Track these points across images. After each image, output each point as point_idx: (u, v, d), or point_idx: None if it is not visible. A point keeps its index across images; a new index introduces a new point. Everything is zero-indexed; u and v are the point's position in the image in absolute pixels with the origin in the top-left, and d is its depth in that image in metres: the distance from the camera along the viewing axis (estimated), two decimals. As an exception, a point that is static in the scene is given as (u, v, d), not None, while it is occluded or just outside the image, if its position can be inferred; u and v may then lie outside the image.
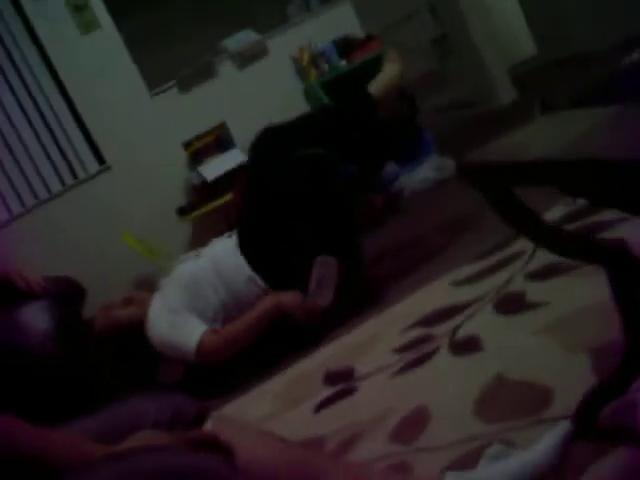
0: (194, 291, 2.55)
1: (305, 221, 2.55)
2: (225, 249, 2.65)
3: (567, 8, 6.04)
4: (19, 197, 4.38)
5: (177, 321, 2.50)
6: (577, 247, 1.22)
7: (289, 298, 2.49)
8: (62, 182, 4.42)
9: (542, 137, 1.21)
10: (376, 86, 2.89)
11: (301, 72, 4.71)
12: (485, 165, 1.10)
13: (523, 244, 2.17)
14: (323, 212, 2.57)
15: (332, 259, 2.50)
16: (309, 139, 2.66)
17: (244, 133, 4.35)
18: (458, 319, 2.03)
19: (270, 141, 2.68)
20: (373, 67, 4.83)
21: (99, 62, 4.41)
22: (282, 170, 2.55)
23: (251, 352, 2.48)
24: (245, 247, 2.60)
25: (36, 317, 1.24)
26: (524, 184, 1.09)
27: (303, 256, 2.52)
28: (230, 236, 2.72)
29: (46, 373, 0.91)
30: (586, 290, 1.73)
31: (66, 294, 1.32)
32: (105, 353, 2.36)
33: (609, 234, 1.87)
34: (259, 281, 2.56)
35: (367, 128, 2.80)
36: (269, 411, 2.09)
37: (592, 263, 1.28)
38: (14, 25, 4.36)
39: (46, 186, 4.41)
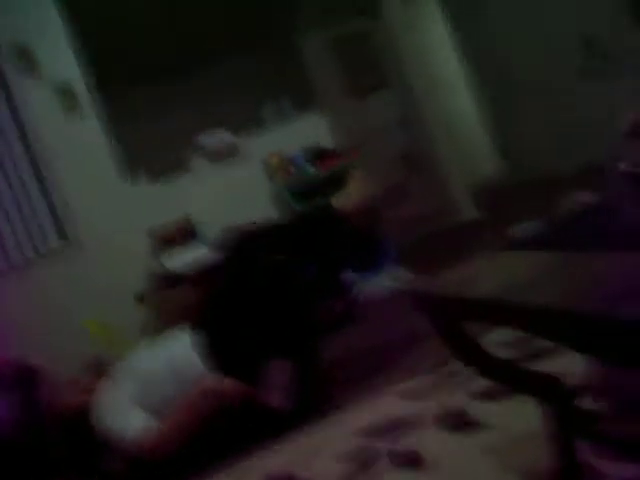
0: (145, 385, 2.56)
1: (264, 323, 2.61)
2: (182, 344, 2.68)
3: (529, 132, 6.40)
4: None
5: (122, 413, 2.50)
6: (512, 377, 1.32)
7: (213, 384, 2.51)
8: (23, 254, 4.44)
9: (491, 273, 1.32)
10: (343, 202, 3.02)
11: (272, 175, 4.88)
12: (431, 297, 1.20)
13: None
14: (283, 314, 2.65)
15: (286, 363, 2.55)
16: (274, 245, 2.77)
17: (210, 228, 4.47)
18: (402, 431, 2.09)
19: (237, 244, 2.78)
20: (340, 177, 5.05)
21: (75, 144, 4.53)
22: (246, 274, 2.64)
23: (196, 444, 2.47)
24: (203, 343, 2.64)
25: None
26: (468, 319, 1.19)
27: (259, 358, 2.57)
28: (187, 331, 2.76)
29: (6, 454, 0.94)
30: (523, 415, 1.81)
31: (23, 378, 1.34)
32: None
33: (547, 362, 1.97)
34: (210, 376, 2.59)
35: (330, 239, 2.92)
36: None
37: (527, 394, 1.37)
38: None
39: (7, 257, 4.43)
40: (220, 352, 2.63)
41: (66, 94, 4.60)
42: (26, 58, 4.53)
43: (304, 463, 2.16)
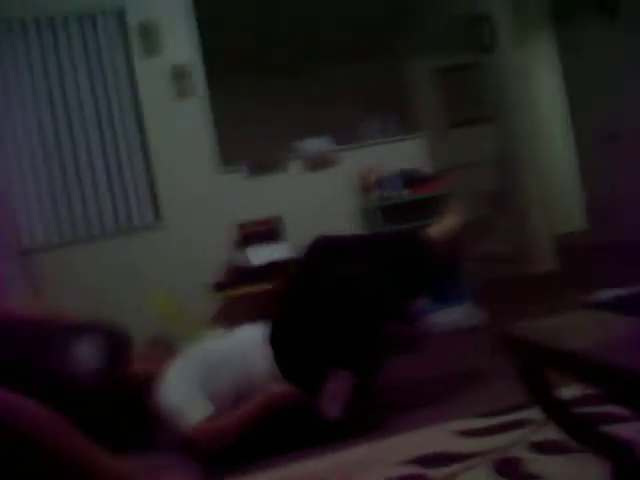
0: (214, 370, 2.63)
1: (334, 333, 2.66)
2: (255, 338, 2.75)
3: (619, 195, 6.26)
4: (73, 224, 4.59)
5: (186, 395, 2.57)
6: (588, 435, 1.33)
7: (283, 392, 2.56)
8: (117, 224, 4.63)
9: (580, 329, 1.34)
10: (435, 232, 3.03)
11: (364, 190, 4.93)
12: (525, 343, 1.22)
13: (533, 413, 2.25)
14: (353, 328, 2.68)
15: (349, 375, 2.59)
16: (359, 259, 2.81)
17: (296, 231, 4.57)
18: (455, 468, 2.09)
19: (322, 251, 2.83)
20: (430, 204, 5.07)
21: (184, 125, 4.70)
22: (327, 281, 2.68)
23: (259, 438, 2.53)
24: (273, 342, 2.71)
25: (90, 354, 1.34)
26: (553, 369, 1.21)
27: (324, 364, 2.62)
28: (262, 327, 2.83)
29: (91, 409, 1.00)
30: (583, 475, 1.80)
31: (118, 340, 1.42)
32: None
33: (618, 428, 1.95)
34: (276, 374, 2.65)
35: (416, 265, 2.93)
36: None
37: (597, 453, 1.37)
38: (121, 75, 4.70)
39: (102, 223, 4.63)
40: (286, 353, 2.69)
41: (181, 77, 4.77)
42: (151, 37, 4.73)
43: (354, 476, 2.19)
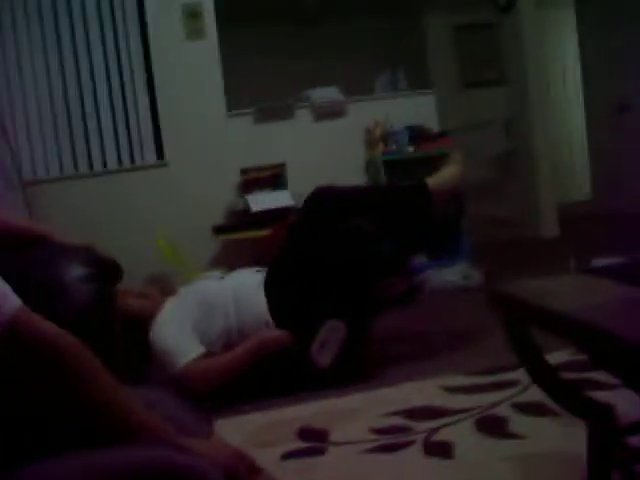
0: (208, 311, 2.65)
1: (331, 283, 2.67)
2: (251, 282, 2.76)
3: (625, 165, 6.22)
4: (74, 159, 4.58)
5: (179, 334, 2.60)
6: (569, 396, 1.34)
7: (275, 337, 2.59)
8: (119, 161, 4.62)
9: (573, 292, 1.34)
10: (434, 181, 2.99)
11: (369, 144, 4.90)
12: (512, 301, 1.23)
13: (521, 375, 2.27)
14: (350, 280, 2.69)
15: (342, 325, 2.61)
16: (359, 210, 2.80)
17: (298, 179, 4.55)
18: (439, 422, 2.13)
19: (322, 201, 2.82)
20: (437, 162, 5.04)
21: (192, 67, 4.64)
22: (325, 232, 2.68)
23: (246, 380, 2.55)
24: (269, 288, 2.72)
25: (78, 283, 1.34)
26: (541, 328, 1.22)
27: (317, 314, 2.64)
28: (259, 272, 2.84)
29: (84, 334, 1.01)
30: (565, 437, 1.83)
31: (109, 271, 1.42)
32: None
33: (601, 394, 1.96)
34: (270, 322, 2.67)
35: (416, 218, 2.92)
36: (239, 444, 2.17)
37: (577, 416, 1.38)
38: (129, 10, 4.63)
39: (104, 160, 4.61)
40: (281, 299, 2.71)
41: (193, 17, 4.70)
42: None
43: (339, 424, 2.22)
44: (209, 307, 2.67)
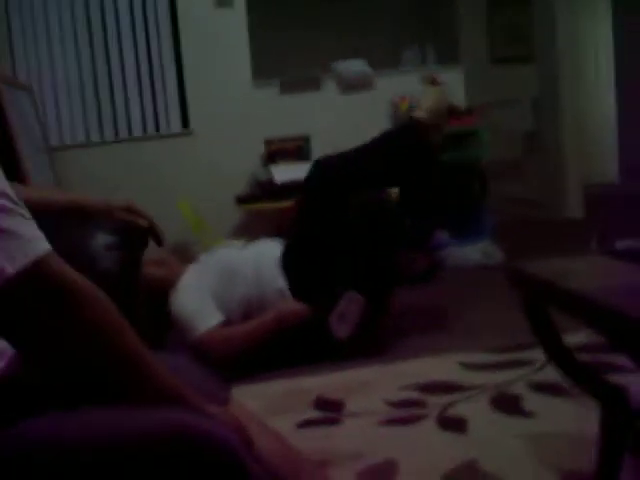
0: (228, 280, 2.68)
1: (350, 255, 2.68)
2: (272, 253, 2.79)
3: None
4: (100, 126, 4.62)
5: (200, 301, 2.63)
6: (583, 376, 1.35)
7: (295, 311, 2.61)
8: (144, 129, 4.64)
9: (588, 272, 1.34)
10: (421, 114, 2.94)
11: (395, 118, 4.87)
12: (531, 280, 1.23)
13: (537, 354, 2.28)
14: (370, 253, 2.70)
15: (360, 297, 2.63)
16: (364, 173, 2.80)
17: (323, 151, 4.55)
18: (454, 397, 2.15)
19: (325, 172, 2.82)
20: (462, 138, 5.01)
21: (219, 36, 4.63)
22: (338, 204, 2.68)
23: (265, 349, 2.59)
24: (286, 260, 2.74)
25: (106, 252, 1.37)
26: (558, 308, 1.23)
27: (336, 285, 2.66)
28: (280, 243, 2.86)
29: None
30: (577, 417, 1.84)
31: (136, 239, 1.44)
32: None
33: (616, 377, 1.97)
34: (287, 294, 2.69)
35: (420, 157, 2.89)
36: (256, 411, 2.21)
37: (591, 396, 1.39)
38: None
39: (129, 127, 4.64)
40: (300, 272, 2.73)
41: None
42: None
43: (354, 396, 2.25)
44: (230, 276, 2.69)
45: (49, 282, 0.82)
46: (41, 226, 0.88)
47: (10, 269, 0.77)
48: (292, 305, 2.63)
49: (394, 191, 3.10)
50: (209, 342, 2.55)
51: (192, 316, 2.60)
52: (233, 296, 2.69)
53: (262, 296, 2.69)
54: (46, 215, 1.29)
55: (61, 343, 0.85)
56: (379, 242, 2.68)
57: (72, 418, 0.88)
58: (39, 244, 0.82)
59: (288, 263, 2.74)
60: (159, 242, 1.40)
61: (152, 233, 1.39)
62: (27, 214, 0.84)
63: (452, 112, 3.03)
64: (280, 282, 2.69)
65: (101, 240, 1.39)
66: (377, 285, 2.75)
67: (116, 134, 4.63)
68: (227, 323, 2.62)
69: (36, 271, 0.80)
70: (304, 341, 2.65)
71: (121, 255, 1.40)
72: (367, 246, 2.66)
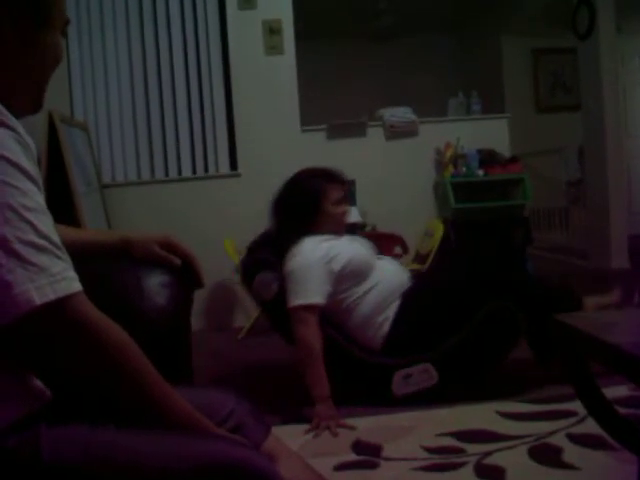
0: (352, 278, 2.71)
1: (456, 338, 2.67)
2: (400, 279, 2.83)
3: None
4: (152, 166, 4.75)
5: (317, 277, 2.62)
6: (623, 430, 1.36)
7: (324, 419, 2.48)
8: (193, 170, 4.77)
9: (628, 325, 1.36)
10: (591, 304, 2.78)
11: (439, 165, 4.92)
12: (570, 332, 1.26)
13: (578, 406, 2.26)
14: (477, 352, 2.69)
15: (436, 376, 2.61)
16: None
17: (367, 196, 4.63)
18: (492, 446, 2.14)
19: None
20: (506, 186, 5.03)
21: (270, 82, 4.76)
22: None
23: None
24: (408, 295, 2.77)
25: (161, 289, 1.42)
26: (597, 361, 1.25)
27: (423, 348, 2.66)
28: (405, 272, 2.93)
29: (152, 343, 1.08)
30: (617, 472, 1.83)
31: (189, 277, 1.48)
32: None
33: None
34: (387, 325, 2.70)
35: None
36: (295, 450, 2.24)
37: (630, 450, 1.40)
38: (211, 24, 4.78)
39: (179, 167, 4.77)
40: (415, 314, 2.72)
41: (273, 33, 4.81)
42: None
43: (392, 440, 2.27)
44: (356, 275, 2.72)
45: (72, 319, 0.88)
46: (93, 265, 0.94)
47: (37, 300, 0.83)
48: (331, 414, 2.49)
49: None
50: (296, 315, 2.59)
51: (302, 284, 2.62)
52: (344, 292, 2.71)
53: (368, 309, 2.71)
54: (94, 252, 1.36)
55: (77, 377, 0.92)
56: (491, 346, 2.69)
57: (119, 435, 0.93)
58: (70, 284, 0.89)
59: (409, 297, 2.75)
60: (198, 282, 1.43)
61: (192, 271, 1.42)
62: (64, 255, 0.90)
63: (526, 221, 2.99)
64: (392, 310, 2.72)
65: (156, 278, 1.45)
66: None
67: (166, 174, 4.76)
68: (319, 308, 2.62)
69: (61, 307, 0.86)
70: (361, 378, 2.68)
71: (174, 293, 1.46)
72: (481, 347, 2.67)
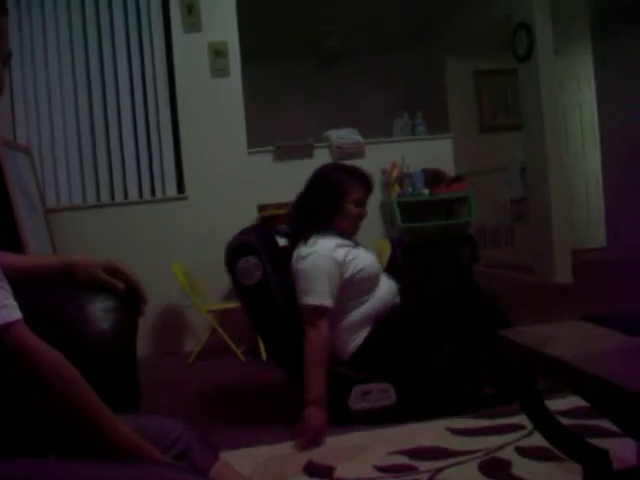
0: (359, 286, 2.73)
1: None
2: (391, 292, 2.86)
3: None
4: (97, 189, 4.68)
5: (328, 279, 2.64)
6: (567, 441, 1.38)
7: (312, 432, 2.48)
8: (140, 194, 4.71)
9: (570, 339, 1.39)
10: None
11: (385, 185, 4.98)
12: (514, 347, 1.28)
13: (526, 419, 2.30)
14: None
15: (394, 398, 2.63)
16: None
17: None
18: (444, 463, 2.16)
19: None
20: (452, 205, 5.12)
21: (216, 104, 4.74)
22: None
23: None
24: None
25: (105, 315, 1.40)
26: (542, 374, 1.27)
27: (391, 366, 2.68)
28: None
29: (96, 369, 1.07)
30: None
31: (134, 301, 1.46)
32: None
33: (599, 441, 2.00)
34: (359, 339, 2.72)
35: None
36: (246, 474, 2.21)
37: (575, 461, 1.43)
38: (157, 45, 4.76)
39: (125, 191, 4.70)
40: (395, 331, 2.73)
41: (219, 55, 4.81)
42: (192, 13, 4.77)
43: (344, 461, 2.26)
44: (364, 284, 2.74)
45: (11, 347, 0.89)
46: (37, 290, 0.93)
47: None
48: (318, 423, 2.50)
49: None
50: (306, 314, 2.61)
51: (315, 284, 2.62)
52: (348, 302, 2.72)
53: (359, 317, 2.74)
54: (37, 277, 1.34)
55: (17, 405, 0.92)
56: (452, 378, 2.73)
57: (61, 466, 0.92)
58: (9, 312, 0.89)
59: (386, 315, 2.77)
60: (140, 309, 1.40)
61: (136, 296, 1.40)
62: (3, 283, 0.91)
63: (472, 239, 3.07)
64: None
65: (100, 304, 1.43)
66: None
67: (112, 198, 4.69)
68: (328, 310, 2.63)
69: (0, 335, 0.87)
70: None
71: (119, 318, 1.43)
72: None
